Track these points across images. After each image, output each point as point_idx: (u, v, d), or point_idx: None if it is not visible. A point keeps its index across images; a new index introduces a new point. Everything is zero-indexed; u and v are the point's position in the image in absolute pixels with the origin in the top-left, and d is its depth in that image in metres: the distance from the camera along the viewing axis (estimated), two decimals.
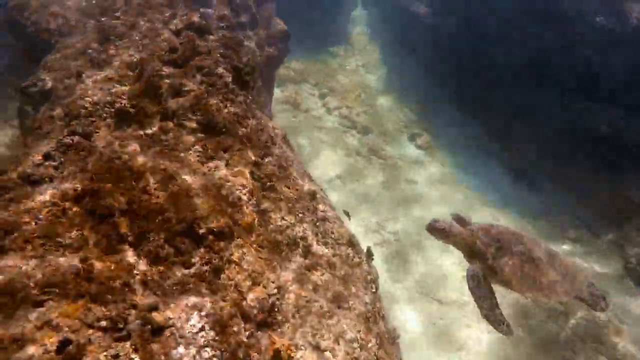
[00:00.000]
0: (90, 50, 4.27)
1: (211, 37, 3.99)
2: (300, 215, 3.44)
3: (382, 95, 10.58)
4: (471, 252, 3.29)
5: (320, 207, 3.70)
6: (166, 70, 3.62)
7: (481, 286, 3.08)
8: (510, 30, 7.93)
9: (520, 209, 7.87)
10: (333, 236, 3.66)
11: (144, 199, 2.52)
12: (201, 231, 2.58)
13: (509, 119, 8.38)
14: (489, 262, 3.13)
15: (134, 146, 2.97)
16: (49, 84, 3.97)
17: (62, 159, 2.91)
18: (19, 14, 5.32)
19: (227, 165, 3.16)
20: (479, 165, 8.67)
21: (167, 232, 2.49)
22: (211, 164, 3.09)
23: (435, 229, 3.37)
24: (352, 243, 3.69)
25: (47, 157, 2.93)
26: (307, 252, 3.31)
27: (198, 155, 3.16)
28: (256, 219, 2.96)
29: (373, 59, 11.99)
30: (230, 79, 3.64)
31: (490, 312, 3.00)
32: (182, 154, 3.12)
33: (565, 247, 7.43)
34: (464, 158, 8.83)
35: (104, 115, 3.56)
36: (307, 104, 9.28)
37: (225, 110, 3.43)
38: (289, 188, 3.53)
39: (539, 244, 3.33)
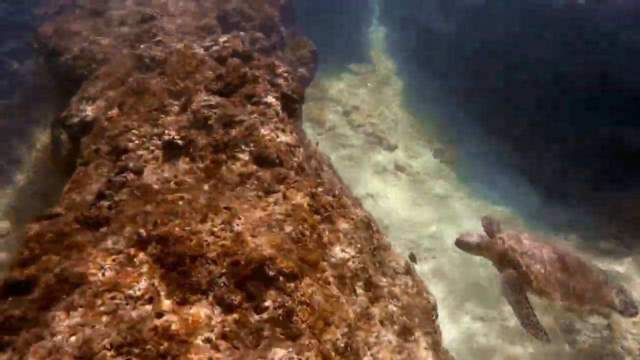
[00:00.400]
0: (130, 79, 4.18)
1: (255, 62, 3.87)
2: (359, 245, 3.24)
3: (404, 111, 10.46)
4: (502, 261, 3.16)
5: (376, 235, 3.51)
6: (213, 99, 3.49)
7: (516, 292, 2.96)
8: (533, 44, 7.79)
9: (548, 222, 7.62)
10: (390, 265, 3.47)
11: (211, 241, 2.36)
12: (271, 273, 2.40)
13: (532, 133, 8.18)
14: (522, 270, 3.02)
15: (190, 182, 2.82)
16: (91, 115, 3.87)
17: (115, 199, 2.77)
18: (50, 40, 5.29)
19: (284, 198, 2.99)
20: (505, 180, 8.46)
21: (237, 276, 2.32)
22: (270, 199, 2.92)
23: (464, 243, 3.26)
24: (409, 271, 3.48)
25: (100, 196, 2.80)
26: (369, 284, 3.11)
27: (255, 189, 3.00)
28: (321, 255, 2.78)
29: (393, 75, 11.93)
30: (280, 108, 3.50)
31: (527, 319, 2.86)
32: (238, 189, 2.96)
33: (597, 258, 7.13)
34: (490, 172, 8.63)
35: (151, 147, 3.43)
36: (331, 122, 9.17)
37: (278, 140, 3.28)
38: (344, 217, 3.34)
39: (568, 251, 3.24)
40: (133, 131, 3.44)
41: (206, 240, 2.33)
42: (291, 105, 3.66)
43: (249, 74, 3.61)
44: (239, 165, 3.13)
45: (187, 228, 2.33)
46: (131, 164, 3.04)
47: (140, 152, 3.33)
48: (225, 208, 2.59)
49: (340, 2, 11.38)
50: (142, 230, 2.32)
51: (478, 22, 9.14)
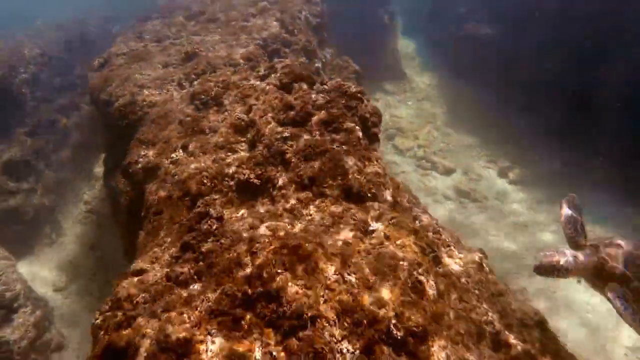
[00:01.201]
0: (188, 119, 4.19)
1: (321, 86, 3.79)
2: (477, 292, 2.91)
3: (453, 129, 10.18)
4: (600, 275, 2.67)
5: (491, 277, 3.17)
6: (287, 131, 3.39)
7: (630, 306, 2.49)
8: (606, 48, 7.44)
9: None
10: (516, 316, 3.07)
11: (328, 297, 2.12)
12: (399, 333, 2.12)
13: (619, 141, 7.61)
14: (633, 284, 2.55)
15: (281, 227, 2.64)
16: (153, 161, 3.86)
17: (202, 250, 2.62)
18: (101, 91, 5.51)
19: (387, 238, 2.75)
20: (588, 196, 7.83)
21: (361, 338, 2.05)
22: (372, 240, 2.69)
23: (546, 267, 2.75)
24: (542, 324, 3.01)
25: (185, 248, 2.66)
26: (497, 342, 2.73)
27: (351, 230, 2.78)
28: (444, 307, 2.47)
29: (431, 91, 11.76)
30: (361, 133, 3.35)
31: None
32: (332, 230, 2.75)
33: None
34: (567, 189, 8.05)
35: (224, 189, 3.33)
36: None
37: (367, 171, 3.10)
38: (452, 258, 3.05)
39: None
40: (204, 174, 3.37)
41: (323, 296, 2.11)
42: (372, 130, 3.51)
43: (320, 99, 3.51)
44: (329, 203, 2.94)
45: (299, 282, 2.12)
46: (212, 210, 2.91)
47: (215, 197, 3.23)
48: (333, 255, 2.37)
49: (369, 19, 11.54)
50: (247, 288, 2.13)
51: (533, 21, 8.87)
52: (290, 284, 2.09)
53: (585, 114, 7.84)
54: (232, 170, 3.40)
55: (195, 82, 4.62)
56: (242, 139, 3.72)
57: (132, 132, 4.68)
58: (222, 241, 2.66)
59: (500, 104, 9.90)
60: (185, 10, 7.52)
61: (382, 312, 2.15)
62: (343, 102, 3.55)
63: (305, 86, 3.75)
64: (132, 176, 3.97)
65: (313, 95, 3.60)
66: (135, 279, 2.38)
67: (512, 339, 2.77)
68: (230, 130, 3.79)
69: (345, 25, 10.26)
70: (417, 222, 3.15)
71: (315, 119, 3.42)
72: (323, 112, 3.45)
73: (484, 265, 3.18)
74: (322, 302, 2.09)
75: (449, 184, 8.41)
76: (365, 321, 2.11)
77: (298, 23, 6.84)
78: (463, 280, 2.89)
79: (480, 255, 3.19)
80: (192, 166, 3.49)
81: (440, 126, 10.38)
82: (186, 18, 7.29)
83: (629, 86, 7.13)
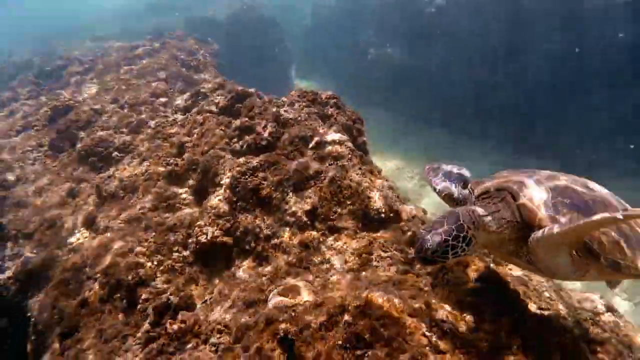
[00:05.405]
0: (83, 184, 3.01)
1: (284, 99, 3.11)
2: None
3: (388, 160, 10.33)
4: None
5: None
6: (254, 160, 2.54)
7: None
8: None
9: None
10: (583, 305, 2.58)
11: None
12: None
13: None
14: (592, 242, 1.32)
15: (309, 288, 1.75)
16: (36, 257, 2.56)
17: None
18: None
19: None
20: None
21: None
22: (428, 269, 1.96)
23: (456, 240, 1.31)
24: (611, 308, 2.55)
25: None
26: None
27: (390, 264, 2.02)
28: None
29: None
30: (351, 144, 2.70)
31: None
32: (368, 274, 1.96)
33: None
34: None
35: (177, 264, 2.29)
36: None
37: (379, 184, 2.42)
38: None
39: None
40: (138, 250, 2.28)
41: None
42: (359, 139, 2.90)
43: (285, 113, 2.79)
44: (347, 238, 2.15)
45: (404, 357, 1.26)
46: (172, 298, 1.86)
47: (168, 278, 2.16)
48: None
49: (267, 57, 11.63)
50: None
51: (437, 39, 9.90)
52: None
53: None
54: (181, 234, 2.38)
55: (83, 134, 3.47)
56: (182, 190, 2.73)
57: None
58: (217, 339, 1.64)
59: (416, 122, 10.42)
60: (32, 70, 6.27)
61: None
62: (315, 111, 2.89)
63: (258, 101, 3.00)
64: None
65: (274, 109, 2.86)
66: None
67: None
68: (161, 182, 2.77)
69: (245, 63, 10.08)
70: None
71: (286, 137, 2.67)
72: (295, 127, 2.71)
73: None
74: None
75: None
76: None
77: (199, 60, 6.16)
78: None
79: None
80: (115, 245, 2.36)
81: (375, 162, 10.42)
82: (37, 76, 6.04)
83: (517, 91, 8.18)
